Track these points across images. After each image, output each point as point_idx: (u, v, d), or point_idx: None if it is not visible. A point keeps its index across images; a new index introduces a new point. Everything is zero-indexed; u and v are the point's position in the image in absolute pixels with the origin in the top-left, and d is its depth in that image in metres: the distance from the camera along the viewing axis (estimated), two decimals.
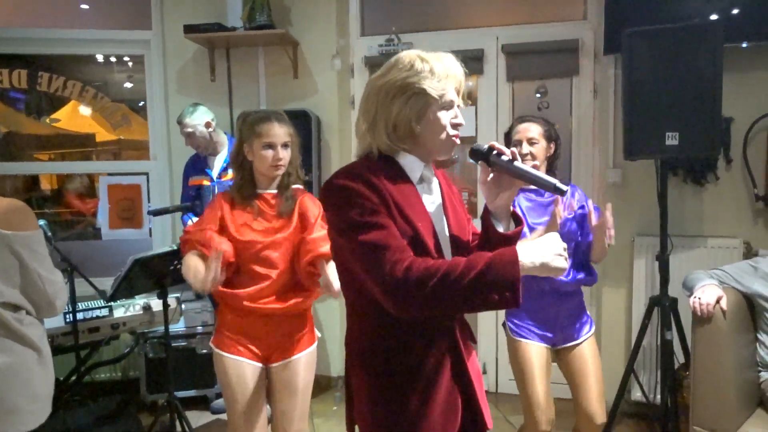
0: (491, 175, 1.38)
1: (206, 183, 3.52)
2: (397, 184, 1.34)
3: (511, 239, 1.37)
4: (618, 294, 3.52)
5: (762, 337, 2.52)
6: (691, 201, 3.37)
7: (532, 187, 2.35)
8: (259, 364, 2.18)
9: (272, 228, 2.13)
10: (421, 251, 1.29)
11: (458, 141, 1.39)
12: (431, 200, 1.42)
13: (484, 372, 3.86)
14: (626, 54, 2.89)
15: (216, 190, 3.46)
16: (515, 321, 2.39)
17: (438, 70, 1.33)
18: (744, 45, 3.10)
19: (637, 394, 3.36)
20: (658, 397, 3.12)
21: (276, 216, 2.14)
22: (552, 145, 2.38)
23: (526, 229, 2.27)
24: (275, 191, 2.17)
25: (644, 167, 3.30)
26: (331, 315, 3.80)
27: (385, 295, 1.23)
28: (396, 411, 1.35)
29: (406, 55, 1.35)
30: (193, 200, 3.55)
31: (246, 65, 3.94)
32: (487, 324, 3.83)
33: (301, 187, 2.24)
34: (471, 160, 1.43)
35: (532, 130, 2.35)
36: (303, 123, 3.67)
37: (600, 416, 2.36)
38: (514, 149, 1.36)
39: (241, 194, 2.15)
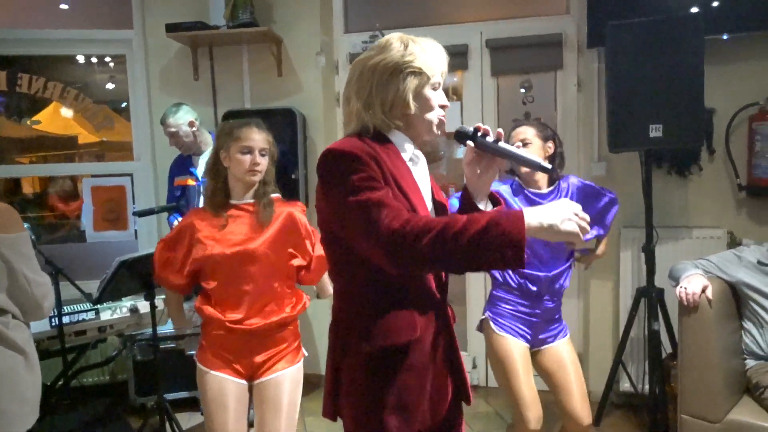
0: (474, 155, 1.43)
1: (191, 183, 3.49)
2: (392, 158, 1.37)
3: None
4: (605, 286, 3.55)
5: (747, 325, 2.55)
6: (675, 192, 3.40)
7: (532, 190, 2.38)
8: (243, 381, 2.12)
9: (250, 240, 2.05)
10: None
11: (444, 121, 1.43)
12: (421, 177, 1.45)
13: (474, 366, 3.88)
14: (609, 47, 2.91)
15: (201, 190, 3.44)
16: (497, 318, 2.40)
17: (428, 51, 1.39)
18: (725, 37, 3.13)
19: (625, 385, 3.39)
20: (647, 387, 3.15)
21: (254, 227, 2.07)
22: (550, 144, 2.40)
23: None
24: (251, 201, 2.10)
25: (629, 160, 3.33)
26: (321, 311, 3.80)
27: (380, 249, 1.20)
28: (394, 388, 1.34)
29: (398, 37, 1.40)
30: (179, 200, 3.53)
31: (230, 63, 3.91)
32: (478, 318, 3.84)
33: (279, 196, 2.19)
34: (457, 143, 1.44)
35: (525, 132, 2.39)
36: (288, 121, 3.66)
37: (587, 417, 2.34)
38: (499, 129, 1.40)
39: (213, 203, 2.09)
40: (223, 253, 2.03)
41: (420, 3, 3.94)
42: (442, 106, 1.42)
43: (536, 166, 1.36)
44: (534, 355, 2.43)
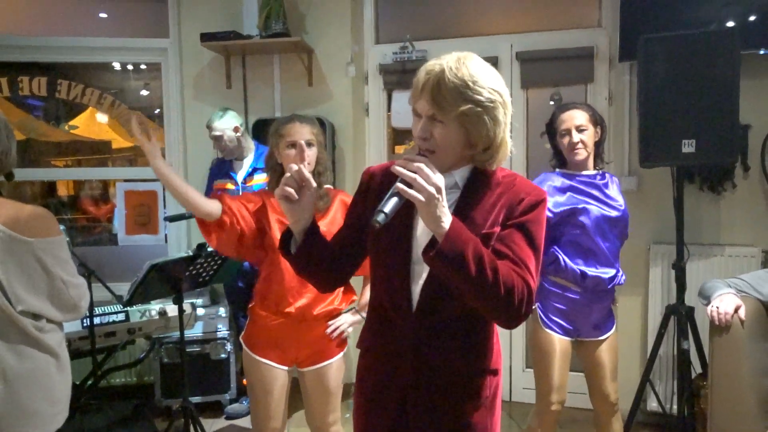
0: None
1: (230, 187, 3.55)
2: None
3: (430, 261, 1.24)
4: (634, 302, 3.49)
5: None
6: (707, 209, 3.34)
7: (584, 173, 2.41)
8: (286, 368, 2.23)
9: None
10: (383, 247, 1.41)
11: (419, 148, 1.33)
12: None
13: None
14: (642, 60, 2.88)
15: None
16: (545, 312, 2.42)
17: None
18: (762, 52, 3.07)
19: (653, 404, 3.33)
20: (675, 407, 3.09)
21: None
22: (598, 130, 2.41)
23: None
24: None
25: (660, 174, 3.28)
26: None
27: None
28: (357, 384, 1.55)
29: None
30: None
31: (261, 72, 3.97)
32: (500, 334, 3.81)
33: (331, 186, 2.28)
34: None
35: (578, 117, 2.36)
36: None
37: (613, 395, 2.47)
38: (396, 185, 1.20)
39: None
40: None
41: (451, 14, 3.94)
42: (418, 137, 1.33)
43: (379, 209, 1.19)
44: (579, 344, 2.47)
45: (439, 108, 1.27)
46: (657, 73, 2.83)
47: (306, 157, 2.12)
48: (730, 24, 3.05)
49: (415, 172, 1.18)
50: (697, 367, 3.01)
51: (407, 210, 1.31)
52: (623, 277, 2.46)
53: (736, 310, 2.36)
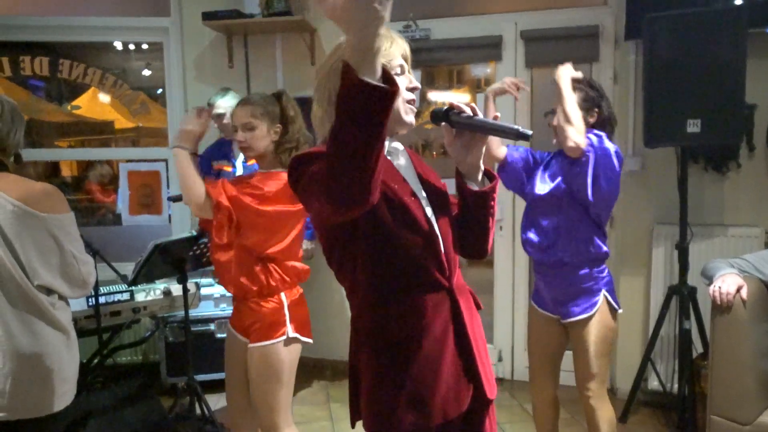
0: (453, 135, 1.38)
1: (227, 169, 3.55)
2: None
3: (486, 195, 1.40)
4: (636, 282, 3.50)
5: None
6: (711, 189, 3.33)
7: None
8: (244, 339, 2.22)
9: None
10: (401, 211, 1.31)
11: (414, 106, 1.36)
12: (403, 166, 1.41)
13: (500, 359, 3.87)
14: (647, 40, 2.85)
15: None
16: (535, 293, 2.49)
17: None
18: None
19: (654, 383, 3.35)
20: (676, 386, 3.12)
21: None
22: (594, 112, 2.32)
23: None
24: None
25: (664, 155, 3.27)
26: (343, 298, 3.83)
27: (330, 199, 1.12)
28: (407, 382, 1.31)
29: None
30: None
31: (264, 52, 3.94)
32: (503, 313, 3.84)
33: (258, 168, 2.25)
34: (434, 124, 1.40)
35: None
36: None
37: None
38: (473, 104, 1.35)
39: None
40: None
41: None
42: (410, 89, 1.34)
43: (513, 134, 1.27)
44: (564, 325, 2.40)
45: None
46: (662, 52, 2.81)
47: (242, 141, 2.11)
48: (737, 2, 3.01)
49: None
50: (698, 347, 3.03)
51: (403, 184, 1.36)
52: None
53: (738, 290, 2.37)
